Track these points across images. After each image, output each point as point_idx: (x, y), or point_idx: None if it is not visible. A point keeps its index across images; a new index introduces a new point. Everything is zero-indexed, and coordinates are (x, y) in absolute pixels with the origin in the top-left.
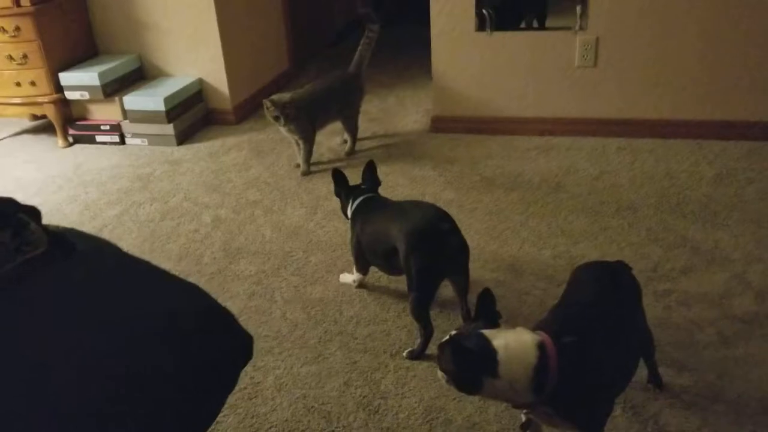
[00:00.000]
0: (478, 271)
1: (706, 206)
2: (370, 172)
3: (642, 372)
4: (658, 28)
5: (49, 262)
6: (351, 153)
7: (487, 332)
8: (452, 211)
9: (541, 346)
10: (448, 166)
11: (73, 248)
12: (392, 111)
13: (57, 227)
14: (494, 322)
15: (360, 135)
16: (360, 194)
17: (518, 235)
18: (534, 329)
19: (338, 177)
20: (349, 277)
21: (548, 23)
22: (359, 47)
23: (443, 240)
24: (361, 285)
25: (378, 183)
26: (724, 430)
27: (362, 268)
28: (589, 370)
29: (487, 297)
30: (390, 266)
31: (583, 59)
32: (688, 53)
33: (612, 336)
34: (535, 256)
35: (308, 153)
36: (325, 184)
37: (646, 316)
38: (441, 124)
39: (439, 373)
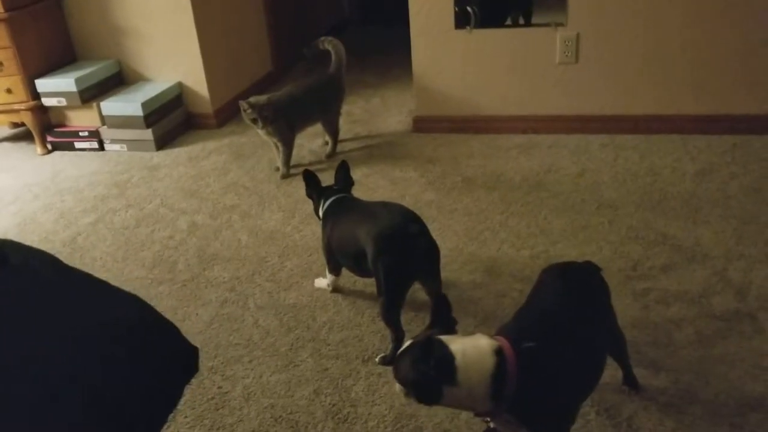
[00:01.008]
0: (456, 272)
1: (688, 202)
2: (343, 172)
3: (617, 373)
4: (640, 22)
5: None
6: (332, 155)
7: (444, 338)
8: (432, 213)
9: (499, 352)
10: (430, 167)
11: (5, 260)
12: (376, 112)
13: None
14: (450, 329)
15: (342, 136)
16: (331, 195)
17: (497, 236)
18: (496, 334)
19: (310, 178)
20: (324, 282)
21: (536, 19)
22: (333, 51)
23: (411, 243)
24: (335, 289)
25: (351, 183)
26: None
27: (334, 269)
28: (549, 376)
29: (441, 303)
30: (360, 269)
31: (565, 56)
32: (671, 48)
33: (575, 340)
34: (514, 256)
35: (287, 156)
36: (304, 187)
37: (616, 318)
38: (423, 124)
39: (397, 387)
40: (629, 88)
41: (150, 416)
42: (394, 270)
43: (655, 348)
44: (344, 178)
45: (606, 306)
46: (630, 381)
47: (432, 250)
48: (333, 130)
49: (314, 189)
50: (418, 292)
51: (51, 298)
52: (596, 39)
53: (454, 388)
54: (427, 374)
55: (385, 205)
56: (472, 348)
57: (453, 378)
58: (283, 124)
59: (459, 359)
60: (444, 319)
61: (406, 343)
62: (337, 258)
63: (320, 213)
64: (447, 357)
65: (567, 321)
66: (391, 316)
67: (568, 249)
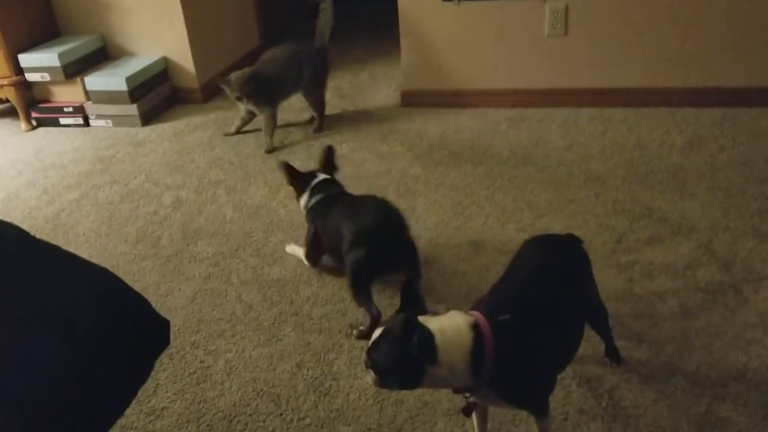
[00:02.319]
0: (441, 246)
1: (675, 175)
2: (328, 157)
3: (599, 346)
4: None
5: None
6: (319, 130)
7: (420, 318)
8: (418, 187)
9: (475, 327)
10: (417, 141)
11: None
12: (364, 86)
13: None
14: (422, 310)
15: (329, 111)
16: (316, 191)
17: (483, 210)
18: (471, 308)
19: (289, 170)
20: (296, 250)
21: None
22: (318, 21)
23: (383, 243)
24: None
25: (336, 169)
26: (680, 403)
27: (312, 259)
28: (525, 348)
29: (410, 285)
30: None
31: (553, 28)
32: (660, 19)
33: (551, 311)
34: (499, 230)
35: (271, 128)
36: (292, 162)
37: (598, 291)
38: (411, 99)
39: (371, 377)
40: (618, 61)
41: (119, 389)
42: (358, 266)
43: (637, 320)
44: (329, 164)
45: (586, 278)
46: (612, 353)
47: (407, 248)
48: (317, 106)
49: (295, 179)
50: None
51: (15, 271)
52: (585, 11)
53: (436, 367)
54: (410, 354)
55: (368, 202)
56: (449, 326)
57: (434, 357)
58: (263, 97)
59: (438, 338)
60: (414, 301)
61: (378, 330)
62: (321, 252)
63: (304, 204)
64: (428, 336)
65: (543, 293)
66: (361, 301)
67: (553, 222)
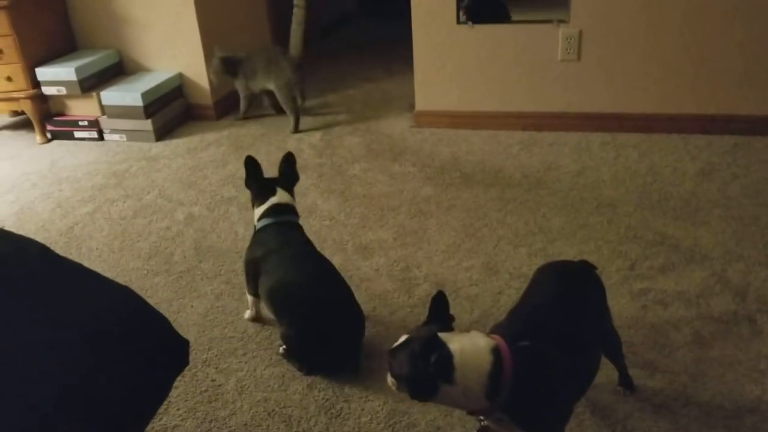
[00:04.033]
0: (453, 269)
1: (687, 203)
2: (288, 165)
3: (613, 374)
4: (642, 21)
5: None
6: (294, 131)
7: (442, 335)
8: (430, 208)
9: (495, 351)
10: (429, 162)
11: None
12: (377, 106)
13: None
14: (447, 326)
15: (341, 130)
16: (268, 214)
17: (495, 233)
18: (490, 332)
19: (251, 167)
20: (248, 313)
21: (532, 16)
22: (294, 21)
23: (327, 328)
24: (257, 317)
25: (295, 178)
26: None
27: (254, 290)
28: (544, 376)
29: (440, 299)
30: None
31: (567, 53)
32: (673, 47)
33: (570, 339)
34: (511, 254)
35: (243, 107)
36: (303, 181)
37: (612, 318)
38: (424, 119)
39: (390, 380)
40: (631, 87)
41: (137, 408)
42: (298, 345)
43: (651, 349)
44: (288, 172)
45: (601, 305)
46: (625, 382)
47: (352, 330)
48: (288, 108)
49: (254, 181)
50: (415, 288)
51: (39, 288)
52: (599, 37)
53: (451, 386)
54: (426, 371)
55: (317, 272)
56: (470, 346)
57: (450, 377)
58: (242, 80)
59: (457, 358)
60: (441, 316)
61: (403, 337)
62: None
63: (257, 218)
64: (446, 355)
65: (561, 321)
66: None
67: (566, 247)
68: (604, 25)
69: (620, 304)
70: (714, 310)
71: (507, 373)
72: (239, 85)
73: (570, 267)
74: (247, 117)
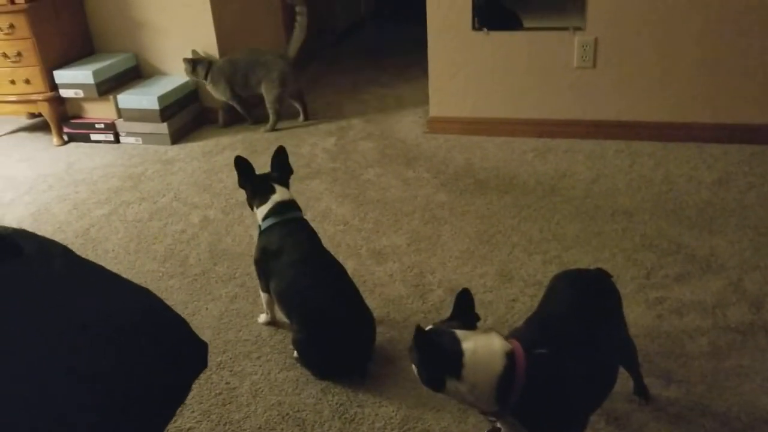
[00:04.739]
0: (467, 275)
1: (703, 211)
2: (280, 159)
3: (628, 383)
4: (658, 29)
5: None
6: (270, 130)
7: (458, 333)
8: (444, 214)
9: (510, 355)
10: (443, 168)
11: (20, 251)
12: (390, 111)
13: (5, 229)
14: (471, 324)
15: (355, 135)
16: (273, 213)
17: (509, 240)
18: (508, 337)
19: (243, 166)
20: (263, 317)
21: (547, 23)
22: (294, 30)
23: (335, 332)
24: (272, 320)
25: (290, 172)
26: None
27: (267, 288)
28: (557, 384)
29: (464, 297)
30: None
31: (582, 60)
32: (689, 55)
33: (587, 349)
34: (525, 261)
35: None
36: (317, 185)
37: (627, 326)
38: (438, 125)
39: (413, 365)
40: (646, 95)
41: (157, 410)
42: (308, 349)
43: (667, 358)
44: (281, 167)
45: (617, 314)
46: (641, 391)
47: (361, 335)
48: (270, 107)
49: (248, 180)
50: (429, 293)
51: (62, 289)
52: (615, 44)
53: (458, 382)
54: (432, 363)
55: (326, 277)
56: (484, 347)
57: (458, 372)
58: (224, 86)
59: (468, 356)
60: (465, 313)
61: (429, 326)
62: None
63: (261, 218)
64: (455, 351)
65: (578, 329)
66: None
67: (581, 255)
68: (621, 32)
69: (636, 313)
70: (730, 320)
71: (519, 378)
72: (213, 91)
73: (586, 275)
74: (227, 126)
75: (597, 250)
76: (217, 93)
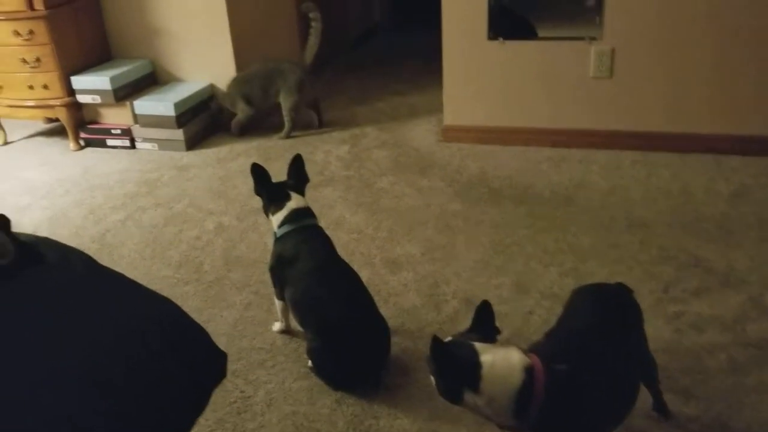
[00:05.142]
0: (482, 286)
1: (721, 224)
2: (297, 167)
3: (647, 399)
4: (675, 39)
5: (15, 272)
6: (285, 138)
7: (477, 345)
8: (458, 223)
9: (529, 370)
10: (457, 177)
11: (42, 259)
12: (404, 119)
13: (28, 236)
14: (490, 337)
15: (369, 143)
16: (288, 220)
17: (524, 251)
18: (528, 351)
19: (259, 174)
20: (278, 325)
21: (561, 33)
22: (309, 38)
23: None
24: (286, 329)
25: (305, 180)
26: None
27: (282, 295)
28: (579, 401)
29: (485, 309)
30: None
31: (599, 70)
32: (706, 66)
33: (607, 365)
34: (541, 273)
35: (240, 120)
36: (331, 193)
37: (647, 342)
38: (452, 134)
39: (431, 376)
40: (663, 105)
41: (177, 419)
42: (322, 359)
43: (686, 374)
44: (298, 175)
45: (638, 330)
46: (660, 407)
47: (376, 346)
48: (286, 114)
49: (264, 187)
50: (444, 304)
51: (82, 297)
52: (631, 54)
53: (475, 395)
54: (449, 375)
55: (341, 288)
56: (502, 361)
57: (476, 385)
58: (239, 99)
59: (486, 369)
60: (485, 326)
61: (449, 337)
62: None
63: (277, 225)
64: (473, 364)
65: (599, 345)
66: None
67: (597, 267)
68: (638, 42)
69: (654, 327)
70: (750, 336)
71: (538, 394)
72: (236, 111)
73: (606, 289)
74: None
75: (614, 262)
76: (238, 111)
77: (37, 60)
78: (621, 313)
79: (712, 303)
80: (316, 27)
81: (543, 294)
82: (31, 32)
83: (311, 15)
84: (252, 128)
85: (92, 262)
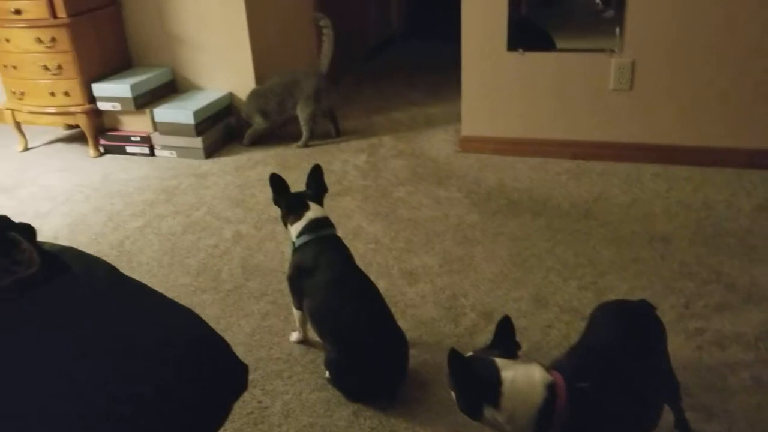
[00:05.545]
0: (500, 299)
1: (743, 240)
2: (316, 177)
3: (668, 417)
4: (697, 52)
5: (40, 282)
6: (303, 146)
7: (498, 361)
8: (476, 235)
9: (550, 387)
10: (475, 188)
11: (67, 269)
12: (422, 129)
13: (53, 246)
14: (511, 352)
15: (386, 153)
16: (307, 230)
17: (543, 264)
18: (550, 368)
19: (277, 184)
20: (295, 335)
21: (582, 45)
22: (321, 46)
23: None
24: (304, 339)
25: (324, 190)
26: None
27: (300, 305)
28: (601, 420)
29: (506, 325)
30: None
31: (619, 82)
32: (726, 79)
33: (630, 384)
34: (561, 286)
35: (254, 132)
36: (348, 203)
37: (670, 360)
38: (470, 145)
39: (451, 391)
40: (684, 119)
41: (199, 429)
42: (340, 370)
43: (708, 391)
44: (316, 184)
45: (662, 348)
46: (682, 425)
47: (395, 357)
48: (304, 123)
49: (283, 197)
50: (462, 317)
51: (106, 307)
52: (652, 67)
53: (496, 411)
54: (470, 391)
55: (360, 300)
56: (523, 377)
57: (496, 401)
58: (255, 112)
59: (507, 385)
60: (505, 342)
61: (470, 353)
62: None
63: (296, 235)
64: (494, 379)
65: (622, 363)
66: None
67: (617, 281)
68: (659, 55)
69: (675, 343)
70: None
71: (559, 412)
72: (251, 120)
73: (630, 306)
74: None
75: (634, 276)
76: (254, 124)
77: (59, 67)
78: (644, 330)
79: (734, 319)
80: (328, 35)
81: (562, 308)
82: (53, 40)
83: (322, 23)
84: (267, 138)
85: (116, 273)
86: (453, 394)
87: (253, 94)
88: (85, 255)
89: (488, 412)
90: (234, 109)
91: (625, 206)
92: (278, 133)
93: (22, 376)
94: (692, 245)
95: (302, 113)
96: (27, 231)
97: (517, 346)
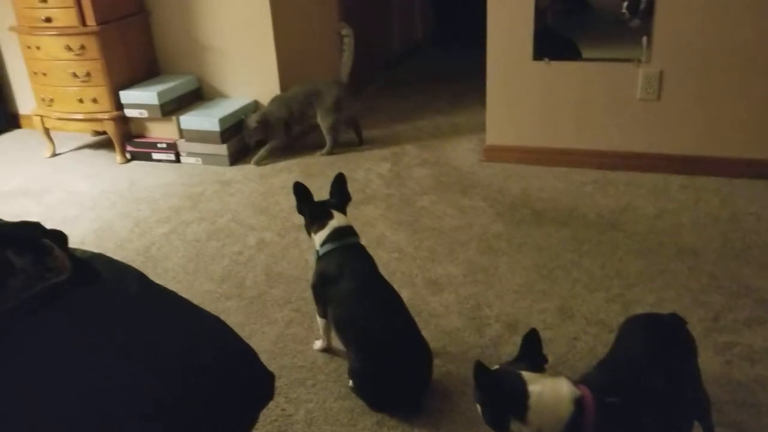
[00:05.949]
0: (525, 310)
1: None
2: (339, 186)
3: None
4: (725, 62)
5: (71, 289)
6: (327, 154)
7: (526, 374)
8: (501, 245)
9: (578, 402)
10: (499, 197)
11: (97, 275)
12: (446, 138)
13: (84, 252)
14: (538, 366)
15: (410, 161)
16: (331, 239)
17: (569, 275)
18: (578, 382)
19: (301, 192)
20: (318, 343)
21: (608, 54)
22: (343, 54)
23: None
24: (327, 347)
25: (347, 198)
26: None
27: (324, 313)
28: None
29: (533, 338)
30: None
31: (646, 92)
32: (755, 90)
33: (660, 400)
34: (587, 298)
35: (272, 147)
36: (372, 211)
37: (701, 374)
38: (494, 154)
39: (476, 404)
40: (712, 129)
41: None
42: (364, 379)
43: (738, 407)
44: (340, 193)
45: (692, 363)
46: None
47: (419, 367)
48: (327, 132)
49: (306, 206)
50: (485, 328)
51: (135, 315)
52: (680, 77)
53: (523, 424)
54: (496, 404)
55: (384, 310)
56: (551, 391)
57: (523, 415)
58: (272, 126)
59: (534, 399)
60: (533, 354)
61: (496, 366)
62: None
63: (320, 243)
64: (520, 393)
65: (652, 378)
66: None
67: (645, 294)
68: (687, 65)
69: (704, 358)
70: None
71: (588, 427)
72: (269, 135)
73: (660, 320)
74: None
75: (662, 289)
76: (275, 136)
77: (88, 74)
78: (675, 345)
79: (765, 334)
80: (348, 43)
81: (588, 320)
82: (82, 47)
83: (343, 32)
84: (290, 147)
85: (145, 280)
86: (478, 407)
87: (275, 101)
88: (115, 262)
89: (515, 426)
90: (246, 126)
91: (652, 217)
92: (295, 146)
93: (52, 380)
94: (721, 258)
95: (324, 122)
96: (59, 237)
97: (544, 359)
